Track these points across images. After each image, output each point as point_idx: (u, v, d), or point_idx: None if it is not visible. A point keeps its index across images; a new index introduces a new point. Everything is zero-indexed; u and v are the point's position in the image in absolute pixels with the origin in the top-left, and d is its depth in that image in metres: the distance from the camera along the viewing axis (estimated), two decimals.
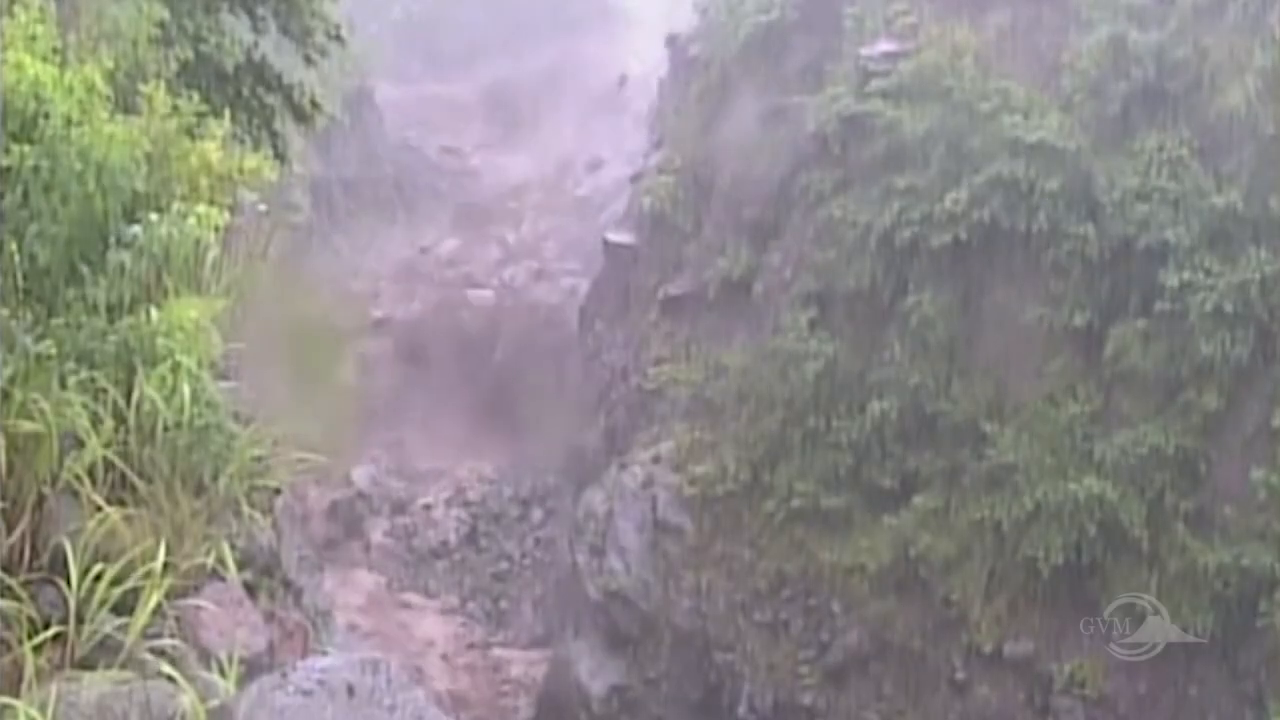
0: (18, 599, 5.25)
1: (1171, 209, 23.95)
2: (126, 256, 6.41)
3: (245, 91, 15.33)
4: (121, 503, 5.83)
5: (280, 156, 14.88)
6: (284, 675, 5.12)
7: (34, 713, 4.68)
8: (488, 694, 30.97)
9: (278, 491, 6.96)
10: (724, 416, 28.13)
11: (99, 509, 5.67)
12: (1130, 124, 24.94)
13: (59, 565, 5.42)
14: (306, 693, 5.00)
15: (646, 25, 54.15)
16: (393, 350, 40.63)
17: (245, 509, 6.44)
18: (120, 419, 6.06)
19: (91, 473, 5.81)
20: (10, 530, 5.54)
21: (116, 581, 5.36)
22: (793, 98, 28.79)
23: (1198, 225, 23.63)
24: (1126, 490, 23.51)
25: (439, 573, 35.36)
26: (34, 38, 6.46)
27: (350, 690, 5.08)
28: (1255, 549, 22.33)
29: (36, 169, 6.18)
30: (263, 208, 8.27)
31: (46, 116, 6.31)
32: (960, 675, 24.84)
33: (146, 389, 6.10)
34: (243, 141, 13.12)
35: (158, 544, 5.58)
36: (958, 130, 25.73)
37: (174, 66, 11.20)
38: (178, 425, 6.13)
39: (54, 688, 4.83)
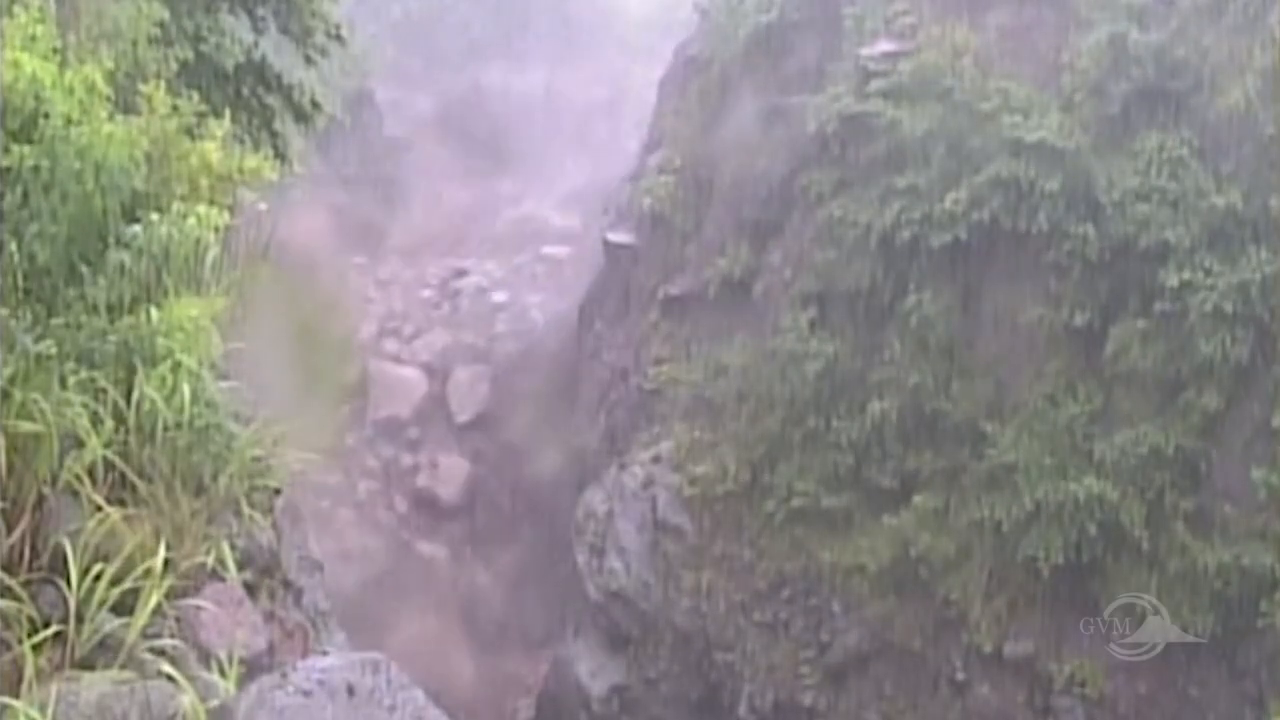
0: (18, 599, 5.25)
1: (1171, 209, 23.95)
2: (126, 256, 6.41)
3: (245, 91, 15.36)
4: (121, 503, 5.84)
5: (280, 156, 14.89)
6: (284, 675, 5.12)
7: (34, 713, 4.68)
8: (487, 693, 30.97)
9: (278, 491, 6.96)
10: (724, 416, 28.13)
11: (99, 509, 5.67)
12: (1130, 124, 24.94)
13: (59, 565, 5.43)
14: (306, 693, 5.00)
15: (647, 24, 54.22)
16: None
17: (245, 509, 6.44)
18: (120, 419, 6.07)
19: (91, 473, 5.82)
20: (10, 530, 5.54)
21: (116, 581, 5.37)
22: (793, 98, 28.78)
23: (1198, 225, 23.63)
24: (1126, 490, 23.50)
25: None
26: (34, 37, 6.46)
27: (350, 690, 5.08)
28: (1255, 549, 22.33)
29: (36, 169, 6.18)
30: (263, 207, 8.26)
31: (46, 116, 6.31)
32: (960, 675, 24.84)
33: (146, 389, 6.10)
34: (243, 141, 13.13)
35: (158, 544, 5.59)
36: (958, 130, 25.72)
37: (174, 66, 11.21)
38: (178, 425, 6.14)
39: (54, 688, 4.83)
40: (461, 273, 44.13)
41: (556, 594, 31.23)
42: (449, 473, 36.49)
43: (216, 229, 6.67)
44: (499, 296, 42.55)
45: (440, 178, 50.56)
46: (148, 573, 5.43)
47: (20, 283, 6.17)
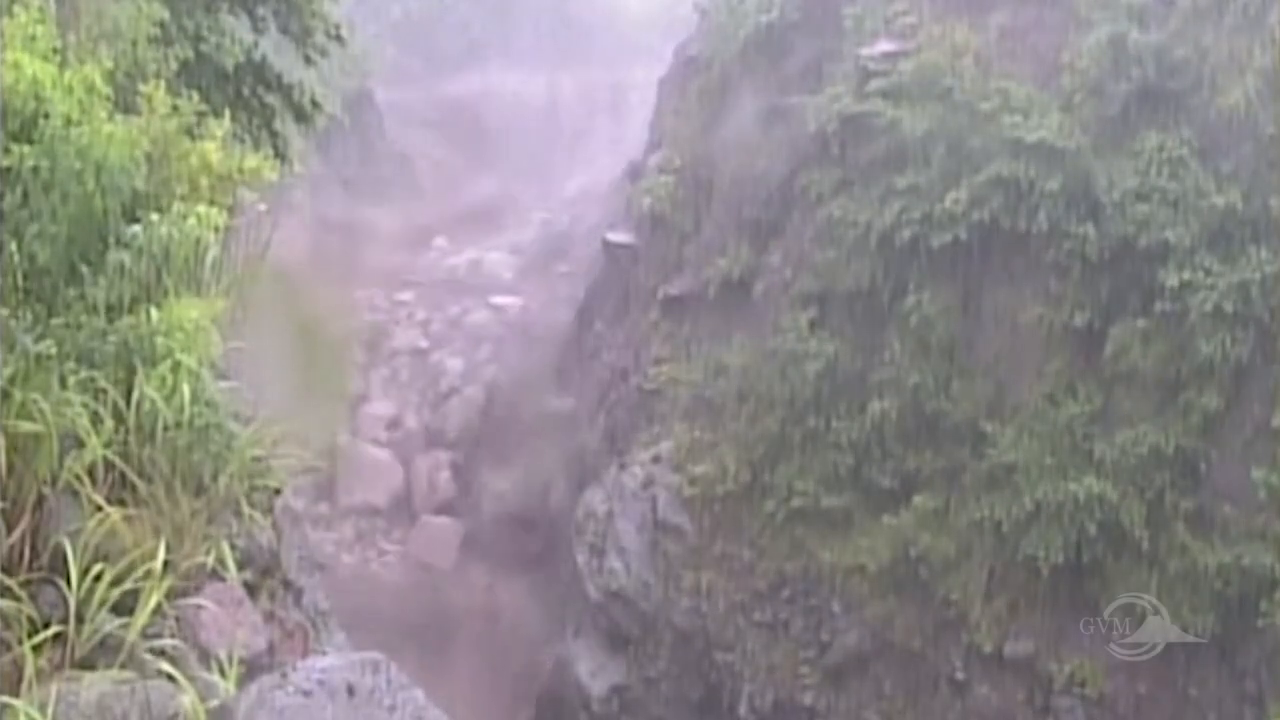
0: (18, 599, 5.25)
1: (1171, 209, 23.96)
2: (126, 256, 6.40)
3: (245, 91, 15.36)
4: (121, 503, 5.82)
5: (280, 156, 14.90)
6: (284, 675, 5.11)
7: (34, 713, 4.67)
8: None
9: (278, 491, 6.95)
10: (724, 416, 28.13)
11: (99, 509, 5.66)
12: (1130, 124, 24.95)
13: (59, 565, 5.42)
14: (306, 693, 5.00)
15: (647, 24, 54.23)
16: None
17: (245, 509, 6.43)
18: (120, 419, 6.06)
19: (91, 473, 5.81)
20: (10, 530, 5.54)
21: (116, 581, 5.36)
22: (793, 98, 28.79)
23: (1198, 225, 23.64)
24: (1126, 490, 23.52)
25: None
26: (34, 38, 6.45)
27: (350, 690, 5.07)
28: (1255, 549, 22.34)
29: (36, 169, 6.17)
30: (263, 207, 8.25)
31: (46, 116, 6.30)
32: (960, 675, 24.84)
33: (146, 389, 6.09)
34: (243, 141, 13.14)
35: (158, 544, 5.58)
36: (958, 130, 25.73)
37: (174, 66, 11.21)
38: (178, 425, 6.13)
39: (54, 688, 4.82)
40: (387, 329, 39.87)
41: (557, 597, 30.82)
42: (440, 534, 34.15)
43: (216, 229, 6.66)
44: (450, 362, 38.80)
45: (429, 182, 50.24)
46: (148, 573, 5.42)
47: (20, 283, 6.16)
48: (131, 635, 5.23)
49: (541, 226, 45.14)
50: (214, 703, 5.00)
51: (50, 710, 4.71)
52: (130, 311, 6.35)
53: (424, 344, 39.94)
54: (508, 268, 42.92)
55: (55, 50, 6.59)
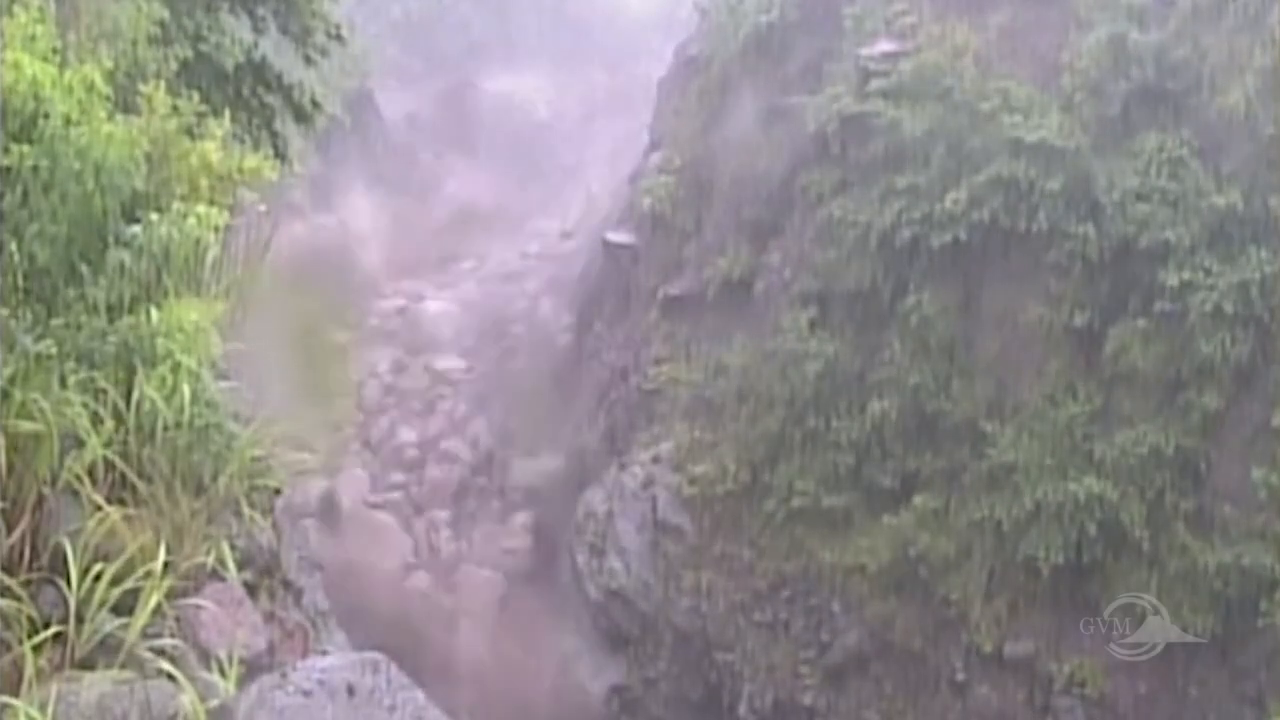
0: (18, 599, 5.25)
1: (1171, 209, 23.97)
2: (126, 256, 6.40)
3: (245, 91, 15.37)
4: (121, 503, 5.82)
5: (280, 156, 14.90)
6: (284, 675, 5.12)
7: (34, 713, 4.67)
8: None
9: (278, 491, 6.96)
10: (724, 416, 28.14)
11: (99, 509, 5.66)
12: (1130, 124, 24.96)
13: (59, 565, 5.42)
14: (306, 693, 5.00)
15: (647, 24, 54.22)
16: None
17: (245, 509, 6.43)
18: (120, 419, 6.06)
19: (91, 473, 5.81)
20: (10, 530, 5.54)
21: (116, 581, 5.36)
22: (793, 98, 28.80)
23: (1198, 225, 23.65)
24: (1126, 490, 23.52)
25: None
26: (33, 38, 6.45)
27: (350, 690, 5.07)
28: (1255, 549, 22.34)
29: (36, 169, 6.17)
30: (263, 207, 8.24)
31: (46, 116, 6.30)
32: (960, 675, 24.84)
33: (146, 389, 6.09)
34: (243, 141, 13.14)
35: (158, 544, 5.58)
36: (958, 130, 25.73)
37: (174, 66, 11.20)
38: (178, 425, 6.13)
39: (54, 688, 4.82)
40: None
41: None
42: (481, 585, 32.43)
43: (216, 229, 6.65)
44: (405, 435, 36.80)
45: (428, 183, 50.02)
46: (148, 573, 5.42)
47: (20, 283, 6.16)
48: (131, 635, 5.23)
49: (480, 285, 43.46)
50: (214, 703, 5.00)
51: (50, 710, 4.71)
52: (130, 312, 6.34)
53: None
54: (450, 323, 41.05)
55: (55, 50, 6.58)
